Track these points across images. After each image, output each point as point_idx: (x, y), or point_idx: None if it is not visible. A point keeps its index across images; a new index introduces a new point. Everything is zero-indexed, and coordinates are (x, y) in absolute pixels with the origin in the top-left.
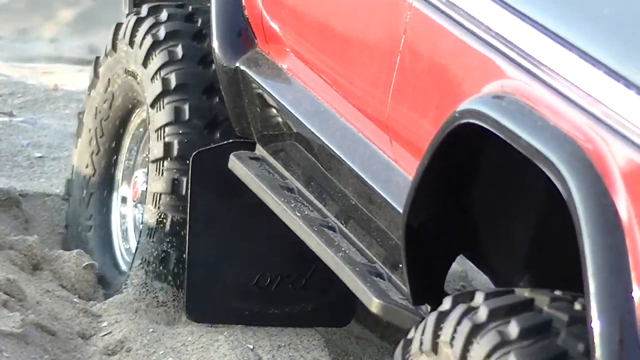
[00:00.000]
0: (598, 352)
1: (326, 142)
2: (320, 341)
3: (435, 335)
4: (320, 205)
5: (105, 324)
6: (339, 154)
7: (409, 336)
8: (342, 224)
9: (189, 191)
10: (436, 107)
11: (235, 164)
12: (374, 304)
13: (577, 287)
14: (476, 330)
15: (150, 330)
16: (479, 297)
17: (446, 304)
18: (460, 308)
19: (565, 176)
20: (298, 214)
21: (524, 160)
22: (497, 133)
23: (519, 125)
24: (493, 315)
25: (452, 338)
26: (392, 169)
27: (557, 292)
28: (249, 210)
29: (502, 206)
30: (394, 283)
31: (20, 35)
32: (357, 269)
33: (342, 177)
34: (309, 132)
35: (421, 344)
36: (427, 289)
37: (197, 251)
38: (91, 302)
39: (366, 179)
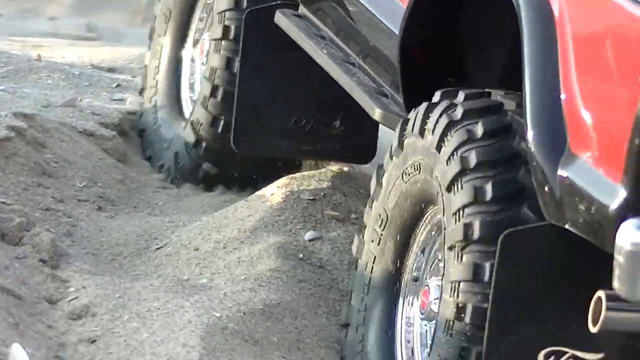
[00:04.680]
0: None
1: None
2: (290, 312)
3: (424, 122)
4: (345, 48)
5: (72, 289)
6: (363, 2)
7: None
8: (361, 60)
9: (241, 43)
10: None
11: (281, 18)
12: (377, 113)
13: None
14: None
15: (117, 296)
16: (460, 96)
17: (436, 96)
18: (444, 103)
19: None
20: (326, 52)
21: None
22: None
23: None
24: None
25: (434, 127)
26: (398, 7)
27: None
28: (291, 63)
29: (482, 32)
30: (396, 101)
31: (21, 13)
32: (367, 90)
33: (364, 22)
34: None
35: (413, 127)
36: (417, 99)
37: (245, 94)
38: (60, 268)
39: (381, 18)
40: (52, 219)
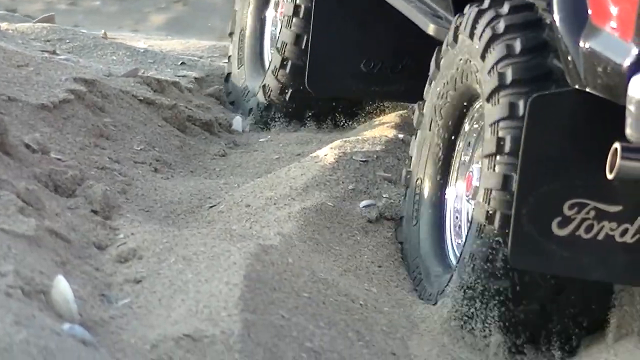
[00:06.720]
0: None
1: None
2: (336, 257)
3: (473, 27)
4: None
5: (121, 235)
6: None
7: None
8: None
9: None
10: None
11: None
12: (430, 27)
13: None
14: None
15: (164, 241)
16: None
17: (485, 3)
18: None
19: None
20: None
21: None
22: None
23: None
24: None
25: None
26: None
27: None
28: (361, 9)
29: None
30: (449, 21)
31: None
32: (424, 12)
33: None
34: None
35: (465, 26)
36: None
37: (318, 39)
38: (112, 219)
39: None
40: (108, 177)
